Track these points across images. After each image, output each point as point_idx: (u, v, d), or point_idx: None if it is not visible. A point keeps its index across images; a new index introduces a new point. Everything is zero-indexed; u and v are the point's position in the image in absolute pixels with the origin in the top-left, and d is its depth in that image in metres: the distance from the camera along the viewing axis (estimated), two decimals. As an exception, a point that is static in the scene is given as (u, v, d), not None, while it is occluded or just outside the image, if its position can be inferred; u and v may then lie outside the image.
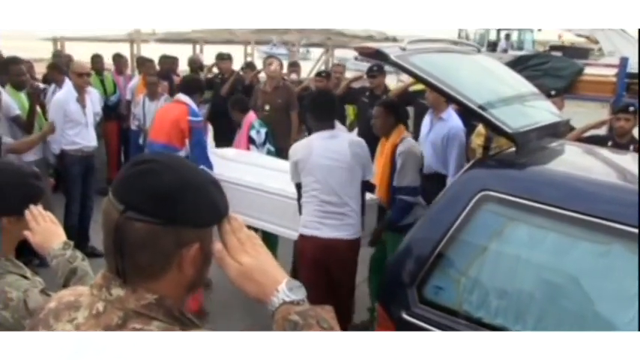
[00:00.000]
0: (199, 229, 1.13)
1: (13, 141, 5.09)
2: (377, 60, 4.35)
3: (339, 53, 24.19)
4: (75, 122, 5.68)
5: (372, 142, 6.11)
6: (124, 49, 11.55)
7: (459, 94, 2.87)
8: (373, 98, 6.65)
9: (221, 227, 1.17)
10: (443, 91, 2.94)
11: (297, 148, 4.00)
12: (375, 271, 4.63)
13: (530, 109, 3.38)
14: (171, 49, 10.78)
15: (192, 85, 5.31)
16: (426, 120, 5.40)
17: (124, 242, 1.09)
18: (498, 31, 29.34)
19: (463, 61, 3.54)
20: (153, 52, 11.33)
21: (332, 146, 3.86)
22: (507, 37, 28.97)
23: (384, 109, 4.46)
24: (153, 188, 1.09)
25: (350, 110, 7.78)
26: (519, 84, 3.74)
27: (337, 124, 4.74)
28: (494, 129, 2.99)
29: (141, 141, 7.34)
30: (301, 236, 3.98)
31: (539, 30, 28.93)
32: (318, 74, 7.98)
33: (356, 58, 23.45)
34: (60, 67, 7.15)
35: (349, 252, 3.96)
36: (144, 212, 1.08)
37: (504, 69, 4.05)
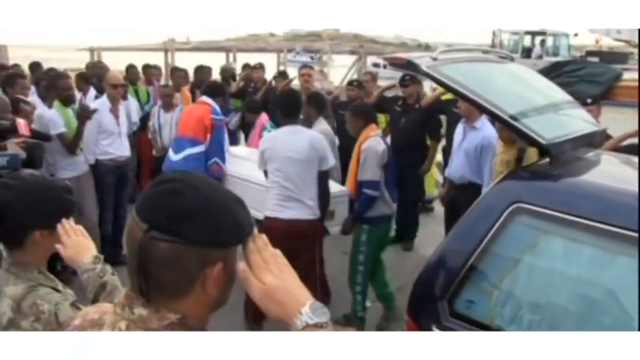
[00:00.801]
0: (223, 248, 1.12)
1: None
2: (408, 70, 4.34)
3: (371, 61, 24.04)
4: (108, 132, 5.75)
5: (406, 149, 6.10)
6: (159, 58, 11.72)
7: (491, 104, 2.83)
8: (406, 107, 6.61)
9: (245, 246, 1.16)
10: (474, 102, 2.89)
11: (266, 139, 4.60)
12: (352, 268, 4.78)
13: (564, 119, 3.31)
14: (204, 58, 10.89)
15: (215, 90, 5.98)
16: (459, 129, 5.37)
17: (148, 262, 1.08)
18: (533, 36, 28.96)
19: (495, 71, 3.49)
20: (187, 60, 11.46)
21: (294, 140, 4.33)
22: (542, 42, 28.55)
23: (352, 113, 4.85)
24: (176, 208, 1.08)
25: (382, 118, 7.73)
26: (553, 92, 3.67)
27: (323, 122, 5.45)
28: (527, 140, 2.92)
29: (154, 152, 7.49)
30: (266, 218, 4.41)
31: (576, 35, 28.49)
32: (350, 83, 7.94)
33: (374, 65, 23.17)
34: (86, 77, 7.55)
35: (308, 230, 4.41)
36: (167, 232, 1.07)
37: (538, 77, 3.97)
